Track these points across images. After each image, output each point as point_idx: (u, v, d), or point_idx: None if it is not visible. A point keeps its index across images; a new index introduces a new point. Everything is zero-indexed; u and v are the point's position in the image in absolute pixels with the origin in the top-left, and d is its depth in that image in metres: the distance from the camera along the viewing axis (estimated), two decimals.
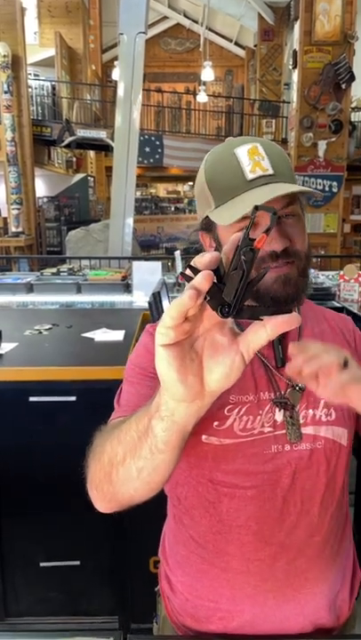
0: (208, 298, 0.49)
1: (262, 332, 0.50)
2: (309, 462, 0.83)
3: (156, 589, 1.01)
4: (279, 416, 0.83)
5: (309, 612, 0.85)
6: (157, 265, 3.57)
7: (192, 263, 0.50)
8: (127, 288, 3.71)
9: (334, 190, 7.00)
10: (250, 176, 0.78)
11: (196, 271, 0.48)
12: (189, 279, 0.49)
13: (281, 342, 0.84)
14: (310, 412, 0.84)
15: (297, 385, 0.84)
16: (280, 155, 0.81)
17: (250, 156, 0.78)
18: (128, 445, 0.64)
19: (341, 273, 3.21)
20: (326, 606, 0.86)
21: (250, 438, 0.81)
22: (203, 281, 0.47)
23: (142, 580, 1.75)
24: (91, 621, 1.88)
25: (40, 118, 10.30)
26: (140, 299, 3.29)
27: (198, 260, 0.49)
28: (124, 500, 0.70)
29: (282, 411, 0.82)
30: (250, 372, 0.83)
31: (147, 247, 11.47)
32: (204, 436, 0.80)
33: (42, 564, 1.83)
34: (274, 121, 11.29)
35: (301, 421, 0.83)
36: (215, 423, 0.80)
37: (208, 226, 0.85)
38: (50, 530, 1.82)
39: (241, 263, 0.48)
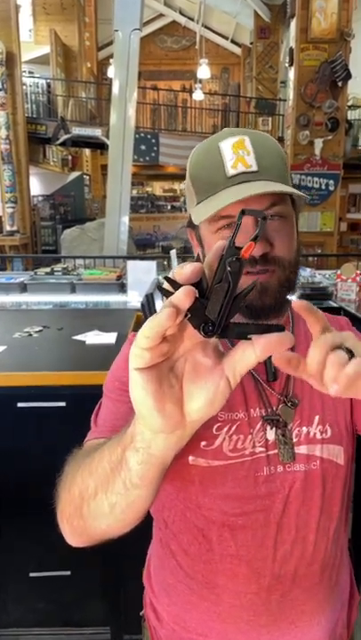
0: (189, 315, 0.43)
1: (250, 352, 0.44)
2: (304, 485, 0.76)
3: (140, 614, 0.94)
4: (271, 434, 0.76)
5: None
6: (152, 264, 3.51)
7: (171, 275, 0.43)
8: (122, 288, 3.66)
9: (331, 189, 6.96)
10: (230, 172, 0.72)
11: (175, 285, 0.42)
12: (168, 294, 0.42)
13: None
14: (304, 429, 0.77)
15: (289, 400, 0.78)
16: (271, 149, 0.75)
17: (234, 150, 0.72)
18: (100, 478, 0.57)
19: (339, 272, 3.17)
20: (325, 637, 0.80)
21: (240, 460, 0.75)
22: (183, 298, 0.41)
23: (135, 589, 1.68)
24: (82, 632, 1.83)
25: (35, 116, 10.24)
26: (134, 299, 3.23)
27: (178, 272, 0.42)
28: (96, 536, 0.63)
29: (273, 429, 0.76)
30: (239, 386, 0.77)
31: (143, 246, 11.41)
32: (190, 458, 0.74)
33: (32, 574, 1.78)
34: (270, 119, 11.25)
35: (295, 440, 0.77)
36: (203, 443, 0.74)
37: (192, 223, 0.79)
38: (40, 539, 1.76)
39: (226, 275, 0.42)
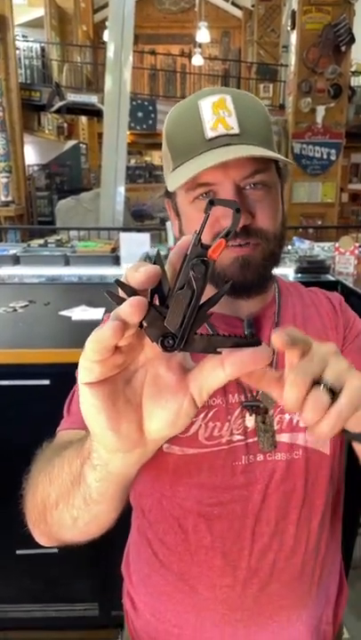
0: (145, 325, 0.36)
1: (220, 370, 0.38)
2: (285, 475, 0.72)
3: (123, 601, 0.92)
4: (250, 421, 0.72)
5: None
6: (145, 237, 3.44)
7: (123, 279, 0.36)
8: (116, 260, 3.59)
9: (332, 158, 6.81)
10: (209, 134, 0.65)
11: (127, 290, 0.36)
12: (118, 301, 0.36)
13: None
14: (286, 416, 0.73)
15: None
16: (255, 110, 0.68)
17: (214, 109, 0.65)
18: (60, 490, 0.53)
19: (337, 245, 3.09)
20: (308, 633, 0.77)
21: (216, 448, 0.71)
22: (131, 313, 0.34)
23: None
24: (70, 608, 1.83)
25: (29, 82, 9.97)
26: None
27: (130, 276, 0.36)
28: (64, 540, 0.60)
29: (253, 415, 0.71)
30: None
31: (140, 217, 11.25)
32: (165, 445, 0.70)
33: (18, 552, 1.77)
34: (271, 85, 10.95)
35: (276, 427, 0.72)
36: None
37: (169, 192, 0.73)
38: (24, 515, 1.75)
39: (190, 280, 0.35)
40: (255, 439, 0.72)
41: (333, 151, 6.78)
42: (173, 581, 0.77)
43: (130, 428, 0.40)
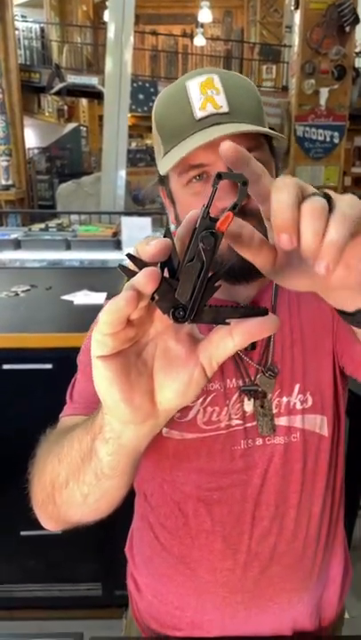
0: (157, 297, 0.37)
1: (229, 341, 0.38)
2: (284, 459, 0.73)
3: (127, 583, 0.94)
4: (248, 406, 0.72)
5: (287, 621, 0.76)
6: (147, 221, 3.42)
7: (133, 252, 0.37)
8: (118, 245, 3.58)
9: (335, 141, 6.73)
10: (199, 114, 0.64)
11: (139, 263, 0.36)
12: (130, 274, 0.36)
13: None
14: (284, 399, 0.73)
15: (268, 369, 0.72)
16: (243, 88, 0.67)
17: (202, 89, 0.64)
18: (70, 467, 0.53)
19: None
20: (307, 613, 0.78)
21: (215, 433, 0.71)
22: (144, 282, 0.35)
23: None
24: (74, 588, 1.86)
25: (28, 63, 9.81)
26: None
27: (142, 249, 0.36)
28: (72, 522, 0.60)
29: (252, 400, 0.72)
30: None
31: (141, 201, 11.17)
32: (164, 430, 0.71)
33: (22, 533, 1.79)
34: (274, 67, 10.78)
35: (274, 411, 0.72)
36: (176, 415, 0.69)
37: (162, 177, 0.72)
38: (29, 499, 1.77)
39: (199, 252, 0.36)
40: (254, 423, 0.72)
41: (337, 134, 6.71)
42: (174, 564, 0.78)
43: (142, 400, 0.41)
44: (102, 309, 0.36)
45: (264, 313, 0.39)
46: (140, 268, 0.36)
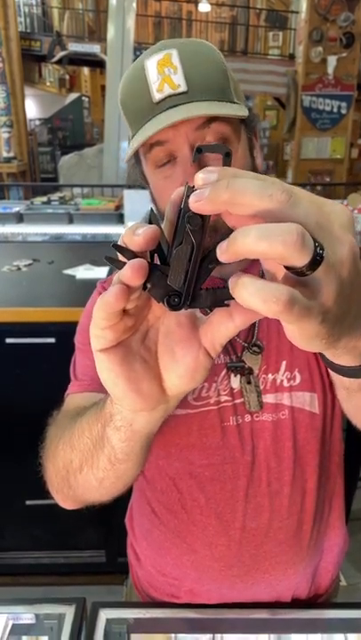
0: (149, 286, 0.36)
1: (229, 322, 0.37)
2: (274, 435, 0.73)
3: (127, 552, 0.96)
4: (235, 382, 0.72)
5: (283, 590, 0.78)
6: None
7: (120, 241, 0.35)
8: (121, 218, 3.55)
9: (343, 112, 6.59)
10: (156, 97, 0.62)
11: (127, 254, 0.35)
12: (119, 265, 0.35)
13: None
14: (270, 376, 0.73)
15: (254, 345, 0.72)
16: (205, 62, 0.63)
17: (159, 68, 0.61)
18: (83, 454, 0.53)
19: (345, 202, 3.04)
20: (304, 582, 0.80)
21: (205, 408, 0.72)
22: (132, 276, 0.34)
23: None
24: (78, 555, 1.91)
25: (29, 31, 9.56)
26: None
27: (129, 240, 0.35)
28: (89, 502, 0.62)
29: (238, 376, 0.72)
30: None
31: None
32: None
33: (28, 502, 1.83)
34: (281, 34, 10.49)
35: (261, 387, 0.72)
36: None
37: (136, 159, 0.71)
38: (35, 469, 1.80)
39: (188, 234, 0.34)
40: (242, 400, 0.72)
41: (344, 104, 6.56)
42: (171, 538, 0.79)
43: (151, 387, 0.40)
44: (96, 305, 0.36)
45: None
46: (129, 259, 0.35)
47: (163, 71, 0.61)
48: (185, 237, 0.35)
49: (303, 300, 0.30)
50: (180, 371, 0.40)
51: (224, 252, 0.31)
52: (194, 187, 0.33)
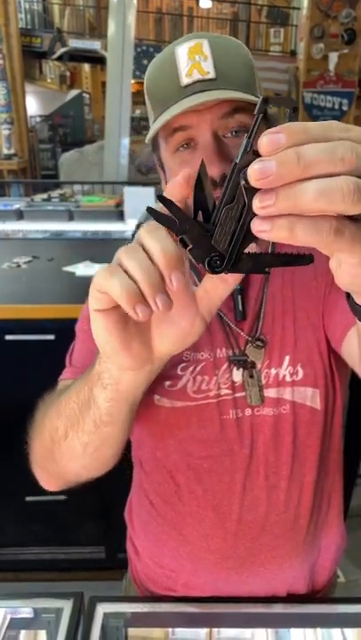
0: (190, 246, 0.34)
1: (223, 284, 0.40)
2: (274, 430, 0.73)
3: (126, 546, 0.97)
4: (237, 376, 0.72)
5: (279, 584, 0.79)
6: (150, 191, 3.38)
7: (165, 193, 0.35)
8: (121, 215, 3.55)
9: (344, 108, 6.58)
10: (185, 81, 0.63)
11: (169, 205, 0.34)
12: (160, 218, 0.34)
13: (241, 292, 0.72)
14: (273, 371, 0.73)
15: (257, 339, 0.73)
16: (234, 54, 0.65)
17: (190, 55, 0.63)
18: (69, 419, 0.56)
19: None
20: (301, 578, 0.80)
21: (205, 401, 0.72)
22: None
23: None
24: (78, 551, 1.92)
25: (29, 27, 9.55)
26: (132, 227, 3.13)
27: (169, 188, 0.35)
28: (71, 478, 0.64)
29: (240, 370, 0.72)
30: None
31: (146, 171, 11.01)
32: (156, 397, 0.72)
33: (28, 499, 1.84)
34: (282, 30, 10.46)
35: (263, 382, 0.73)
36: (167, 383, 0.71)
37: (154, 145, 0.72)
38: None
39: (241, 192, 0.31)
40: (243, 394, 0.73)
41: (346, 101, 6.55)
42: (168, 530, 0.80)
43: (140, 348, 0.43)
44: (98, 270, 0.39)
45: (309, 261, 0.34)
46: (170, 209, 0.34)
47: (193, 57, 0.63)
48: (238, 194, 0.32)
49: (353, 226, 0.29)
50: (174, 335, 0.43)
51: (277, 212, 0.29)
52: (249, 138, 0.31)
